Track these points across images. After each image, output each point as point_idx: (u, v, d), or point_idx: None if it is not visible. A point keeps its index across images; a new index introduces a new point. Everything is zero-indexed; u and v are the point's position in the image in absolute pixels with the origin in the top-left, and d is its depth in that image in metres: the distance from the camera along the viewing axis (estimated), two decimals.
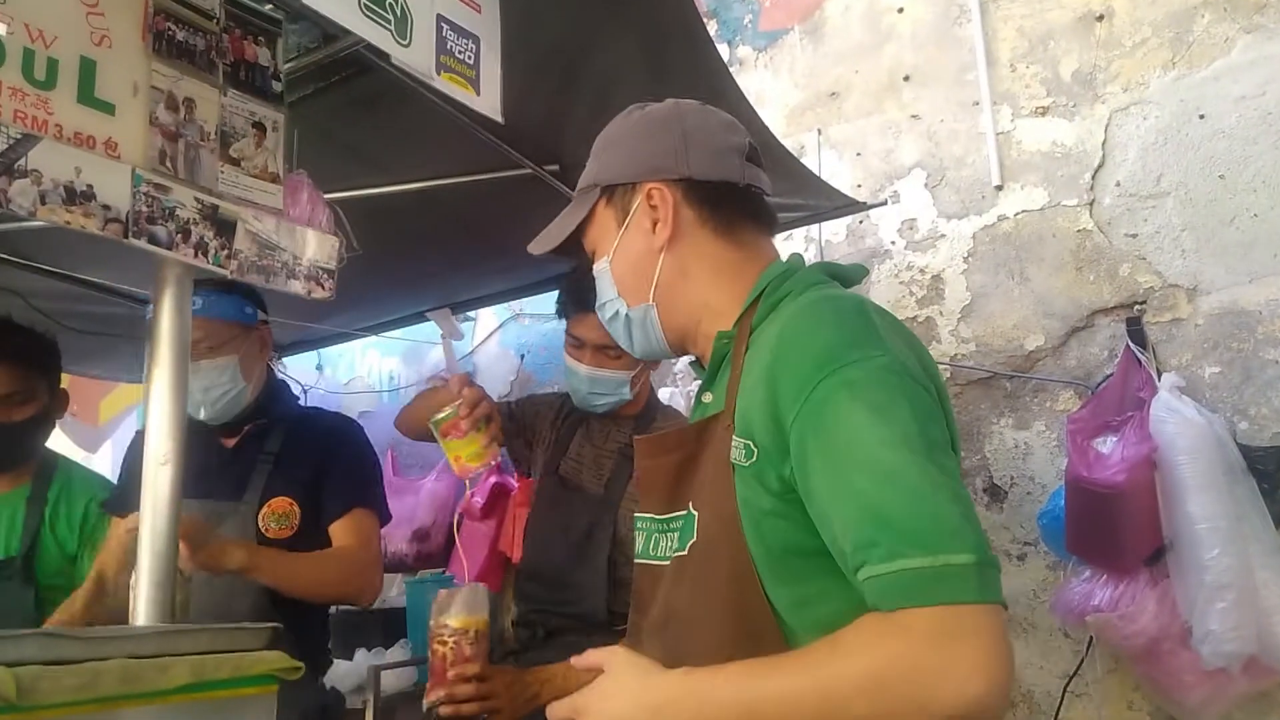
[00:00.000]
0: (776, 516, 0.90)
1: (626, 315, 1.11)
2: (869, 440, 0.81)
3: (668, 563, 1.03)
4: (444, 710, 1.47)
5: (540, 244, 1.18)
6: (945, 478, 0.79)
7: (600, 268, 1.13)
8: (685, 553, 0.99)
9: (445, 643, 1.49)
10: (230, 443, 1.97)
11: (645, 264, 1.07)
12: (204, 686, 0.90)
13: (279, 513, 1.88)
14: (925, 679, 0.71)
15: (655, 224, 1.06)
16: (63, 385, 2.17)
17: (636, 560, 1.11)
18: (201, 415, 1.86)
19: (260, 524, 1.86)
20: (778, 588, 0.91)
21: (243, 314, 1.90)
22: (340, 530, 1.93)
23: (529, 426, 2.05)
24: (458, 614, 1.50)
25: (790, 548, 0.90)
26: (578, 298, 1.82)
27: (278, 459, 1.93)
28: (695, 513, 0.99)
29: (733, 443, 0.94)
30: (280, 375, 2.17)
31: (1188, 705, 2.10)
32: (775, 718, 0.78)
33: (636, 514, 1.13)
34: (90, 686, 0.81)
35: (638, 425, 1.89)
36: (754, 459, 0.91)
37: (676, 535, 1.02)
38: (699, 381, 1.16)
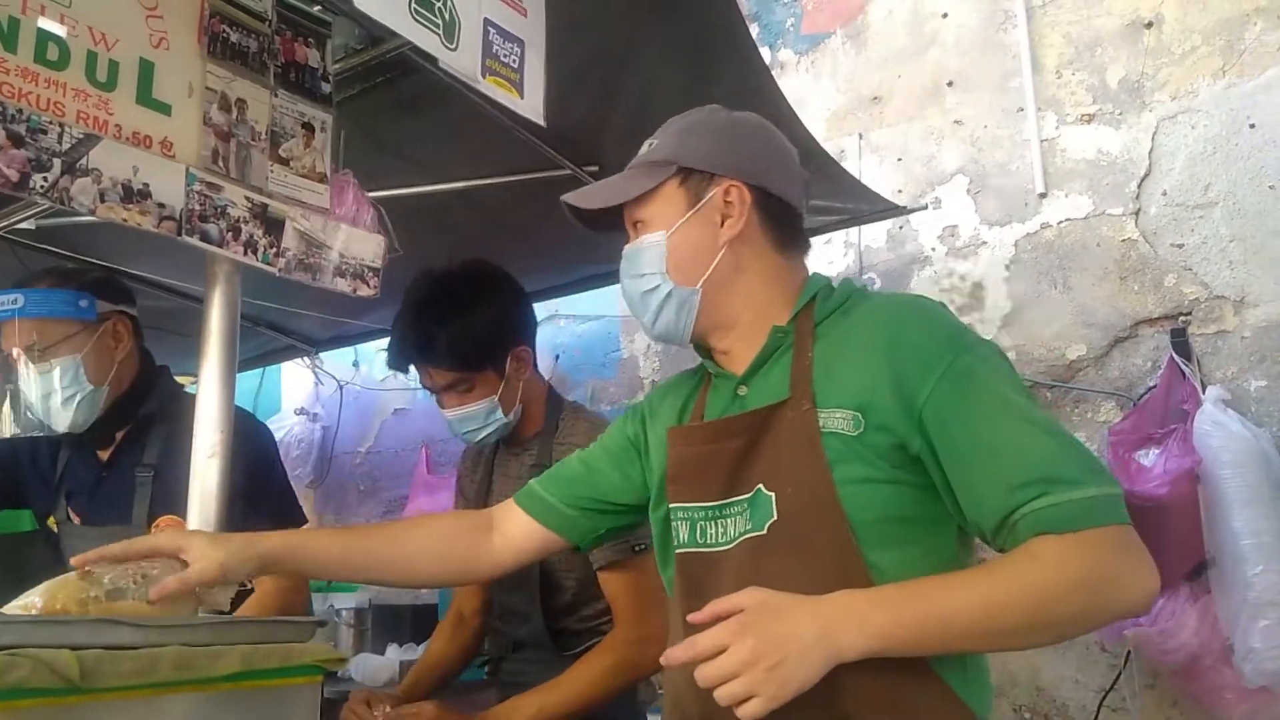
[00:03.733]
0: (884, 483, 0.98)
1: (669, 293, 1.13)
2: (1017, 403, 0.96)
3: (728, 547, 1.06)
4: None
5: (589, 198, 1.18)
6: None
7: (653, 240, 1.14)
8: (764, 532, 1.02)
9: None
10: (104, 455, 1.75)
11: (705, 252, 1.13)
12: (253, 675, 0.93)
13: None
14: (1121, 580, 0.89)
15: (725, 219, 1.12)
16: None
17: (679, 550, 1.13)
18: (53, 425, 1.64)
19: None
20: (874, 552, 0.98)
21: (76, 309, 1.65)
22: None
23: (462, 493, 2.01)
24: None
25: (887, 516, 0.99)
26: (404, 356, 1.70)
27: (158, 471, 1.68)
28: (771, 493, 1.02)
29: (830, 415, 1.01)
30: (160, 366, 1.84)
31: None
32: (982, 622, 0.89)
33: (671, 505, 1.14)
34: (147, 671, 0.84)
35: (542, 444, 1.76)
36: (862, 429, 0.99)
37: (743, 518, 1.05)
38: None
